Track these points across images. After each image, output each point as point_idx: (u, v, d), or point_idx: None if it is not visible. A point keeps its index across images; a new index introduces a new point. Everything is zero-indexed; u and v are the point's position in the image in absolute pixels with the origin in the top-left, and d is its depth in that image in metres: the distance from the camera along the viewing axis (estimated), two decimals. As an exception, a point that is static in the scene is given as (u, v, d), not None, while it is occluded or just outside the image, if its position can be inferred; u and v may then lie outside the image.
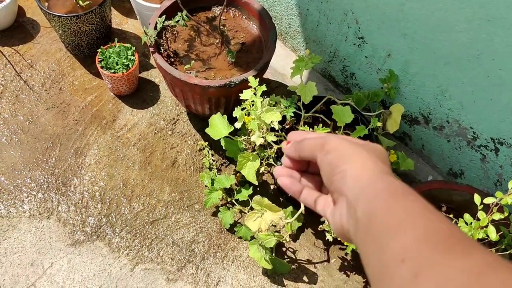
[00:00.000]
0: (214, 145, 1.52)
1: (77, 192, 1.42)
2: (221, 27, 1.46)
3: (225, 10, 1.50)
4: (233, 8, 1.51)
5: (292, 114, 1.26)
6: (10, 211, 1.37)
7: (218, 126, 1.27)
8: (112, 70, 1.50)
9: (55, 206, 1.39)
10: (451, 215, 1.06)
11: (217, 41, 1.44)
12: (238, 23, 1.50)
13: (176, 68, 1.36)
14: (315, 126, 1.22)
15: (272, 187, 1.47)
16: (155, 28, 1.36)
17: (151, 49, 1.34)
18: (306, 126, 1.26)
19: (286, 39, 1.69)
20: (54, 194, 1.41)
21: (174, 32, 1.43)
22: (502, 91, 1.09)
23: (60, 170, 1.45)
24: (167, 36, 1.42)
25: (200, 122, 1.58)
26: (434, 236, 0.31)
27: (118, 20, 1.81)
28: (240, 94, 1.21)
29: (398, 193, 0.36)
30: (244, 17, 1.50)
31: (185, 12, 1.33)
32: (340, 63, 1.53)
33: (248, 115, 1.19)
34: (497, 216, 0.96)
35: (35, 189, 1.41)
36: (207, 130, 1.29)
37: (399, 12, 1.20)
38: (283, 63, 1.66)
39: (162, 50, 1.39)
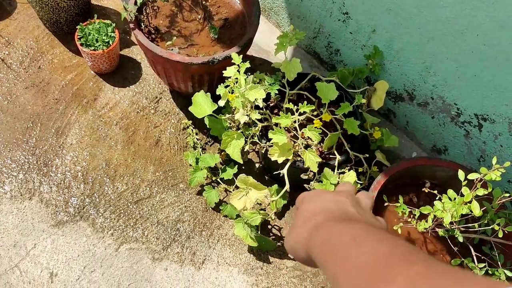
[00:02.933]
0: (198, 123, 1.51)
1: (59, 172, 1.40)
2: (203, 1, 1.42)
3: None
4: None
5: (277, 92, 1.25)
6: (-9, 193, 1.35)
7: (202, 104, 1.25)
8: (92, 48, 1.46)
9: (36, 187, 1.37)
10: (435, 191, 1.07)
11: (199, 16, 1.41)
12: (221, -2, 1.46)
13: (158, 45, 1.33)
14: (300, 104, 1.21)
15: (257, 165, 1.47)
16: (135, 3, 1.32)
17: (131, 25, 1.31)
18: (290, 103, 1.25)
19: (270, 15, 1.66)
20: (35, 175, 1.38)
21: (155, 8, 1.39)
22: (485, 66, 1.09)
23: (41, 150, 1.43)
24: (147, 11, 1.38)
25: (183, 100, 1.56)
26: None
27: (97, -4, 1.76)
28: (223, 72, 1.19)
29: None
30: (227, -8, 1.47)
31: (166, -14, 1.29)
32: (325, 39, 1.51)
33: (232, 93, 1.17)
34: (481, 192, 0.97)
35: (16, 170, 1.39)
36: (190, 109, 1.27)
37: (384, -14, 1.18)
38: (267, 39, 1.64)
39: (143, 26, 1.35)
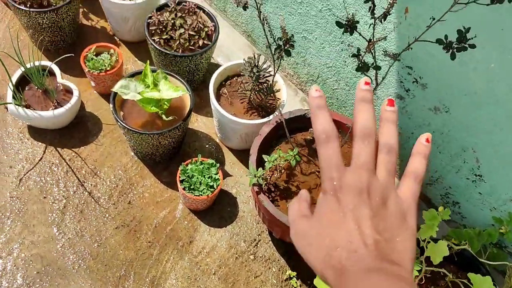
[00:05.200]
0: (303, 274, 1.39)
1: (159, 337, 1.26)
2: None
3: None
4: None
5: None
6: None
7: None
8: (197, 193, 1.34)
9: None
10: None
11: (318, 169, 1.31)
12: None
13: (278, 206, 1.23)
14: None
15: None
16: (261, 166, 1.21)
17: (256, 189, 1.20)
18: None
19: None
20: None
21: (278, 166, 1.29)
22: None
23: (137, 307, 1.29)
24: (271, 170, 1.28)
25: (284, 245, 1.44)
26: None
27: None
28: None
29: None
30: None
31: (296, 150, 1.19)
32: (443, 189, 1.41)
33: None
34: None
35: (111, 334, 1.25)
36: (315, 282, 1.15)
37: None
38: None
39: (263, 185, 1.24)
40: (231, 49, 1.79)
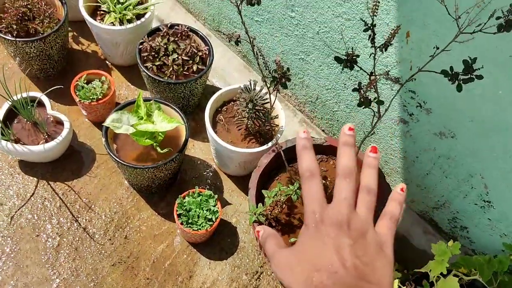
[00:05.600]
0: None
1: None
2: (323, 181, 1.27)
3: (325, 159, 1.31)
4: (334, 157, 1.32)
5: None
6: None
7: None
8: (196, 228, 1.29)
9: None
10: None
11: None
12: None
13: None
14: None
15: None
16: (261, 199, 1.16)
17: (256, 226, 1.15)
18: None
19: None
20: None
21: (279, 202, 1.24)
22: None
23: None
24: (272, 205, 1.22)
25: (288, 276, 1.39)
26: None
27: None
28: None
29: None
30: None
31: (297, 184, 1.14)
32: (450, 214, 1.36)
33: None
34: None
35: None
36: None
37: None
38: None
39: (264, 219, 1.19)
40: (226, 70, 1.74)
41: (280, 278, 0.51)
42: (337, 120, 1.50)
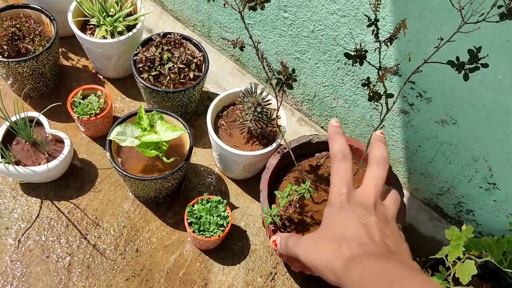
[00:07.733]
0: (325, 303, 1.34)
1: None
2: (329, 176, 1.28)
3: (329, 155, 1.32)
4: (339, 153, 1.34)
5: None
6: None
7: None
8: (208, 235, 1.29)
9: None
10: None
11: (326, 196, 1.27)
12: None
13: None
14: None
15: None
16: (272, 200, 1.17)
17: (271, 227, 1.15)
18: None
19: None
20: None
21: (293, 202, 1.24)
22: None
23: None
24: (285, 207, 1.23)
25: (301, 275, 1.40)
26: None
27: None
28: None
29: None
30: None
31: (308, 182, 1.15)
32: (455, 199, 1.39)
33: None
34: None
35: None
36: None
37: None
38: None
39: (278, 220, 1.20)
40: (220, 75, 1.74)
41: (307, 260, 0.52)
42: (336, 116, 1.51)
